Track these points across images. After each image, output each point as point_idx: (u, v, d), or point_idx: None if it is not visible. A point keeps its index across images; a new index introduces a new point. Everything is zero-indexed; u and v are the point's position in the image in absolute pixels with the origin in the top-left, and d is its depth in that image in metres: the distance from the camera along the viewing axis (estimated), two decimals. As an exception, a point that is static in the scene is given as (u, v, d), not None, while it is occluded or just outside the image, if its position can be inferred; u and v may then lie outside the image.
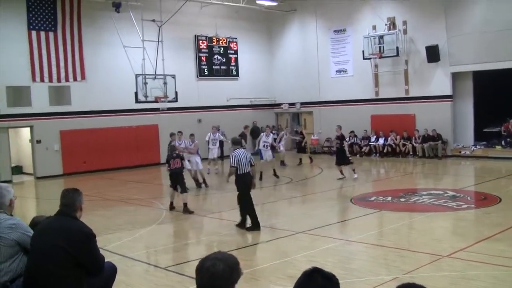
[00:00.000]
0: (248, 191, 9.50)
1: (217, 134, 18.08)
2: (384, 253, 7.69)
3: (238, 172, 9.32)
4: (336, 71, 24.29)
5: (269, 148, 16.14)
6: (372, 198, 12.44)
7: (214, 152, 17.93)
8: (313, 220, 10.27)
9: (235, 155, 9.30)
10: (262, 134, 16.34)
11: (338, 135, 15.79)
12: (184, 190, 11.86)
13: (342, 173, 15.65)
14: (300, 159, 20.09)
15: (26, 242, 4.35)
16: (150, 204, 13.06)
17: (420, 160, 20.33)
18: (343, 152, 15.53)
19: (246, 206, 9.48)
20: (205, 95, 24.24)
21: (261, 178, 15.86)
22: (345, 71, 23.99)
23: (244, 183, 9.41)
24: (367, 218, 10.29)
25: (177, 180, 11.84)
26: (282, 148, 19.67)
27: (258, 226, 9.39)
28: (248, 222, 9.59)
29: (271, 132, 22.40)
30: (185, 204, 11.58)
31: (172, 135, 15.66)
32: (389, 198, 12.20)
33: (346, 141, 16.35)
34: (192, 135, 15.93)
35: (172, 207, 11.91)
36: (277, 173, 16.13)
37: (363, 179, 15.87)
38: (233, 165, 9.24)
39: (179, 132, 16.05)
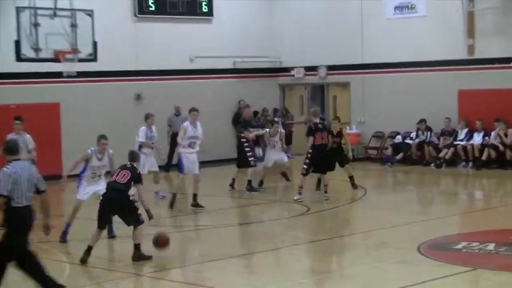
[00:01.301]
0: (25, 241, 9.45)
1: (153, 128, 18.13)
2: None
3: (12, 205, 9.29)
4: (396, 8, 24.43)
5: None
6: (459, 246, 12.59)
7: (151, 159, 17.91)
8: (353, 282, 10.44)
9: (8, 174, 9.25)
10: (186, 123, 16.58)
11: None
12: (138, 221, 12.06)
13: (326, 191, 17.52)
14: (284, 174, 20.22)
15: None
16: (48, 255, 12.81)
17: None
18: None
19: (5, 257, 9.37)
20: (150, 50, 24.28)
21: (171, 206, 16.73)
22: (411, 8, 24.08)
23: (22, 225, 9.36)
24: (450, 282, 10.34)
25: (120, 207, 12.07)
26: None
27: None
28: None
29: (274, 120, 22.40)
30: (136, 246, 11.92)
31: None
32: (491, 247, 12.28)
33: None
34: (102, 137, 14.06)
35: (86, 255, 11.86)
36: (174, 205, 16.59)
37: (441, 210, 15.79)
38: (3, 192, 9.20)
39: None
